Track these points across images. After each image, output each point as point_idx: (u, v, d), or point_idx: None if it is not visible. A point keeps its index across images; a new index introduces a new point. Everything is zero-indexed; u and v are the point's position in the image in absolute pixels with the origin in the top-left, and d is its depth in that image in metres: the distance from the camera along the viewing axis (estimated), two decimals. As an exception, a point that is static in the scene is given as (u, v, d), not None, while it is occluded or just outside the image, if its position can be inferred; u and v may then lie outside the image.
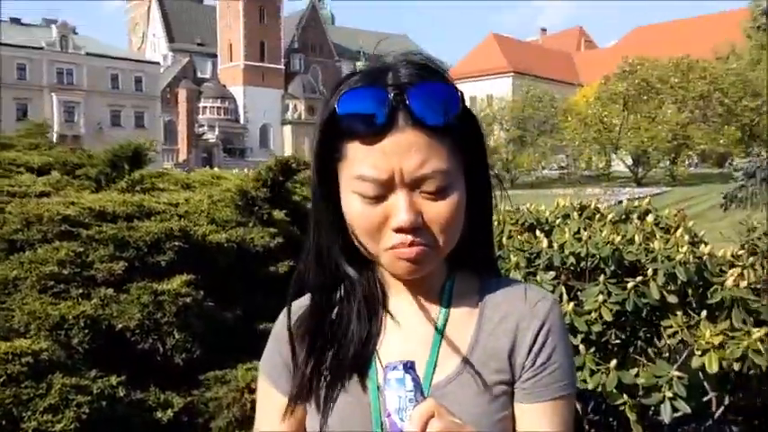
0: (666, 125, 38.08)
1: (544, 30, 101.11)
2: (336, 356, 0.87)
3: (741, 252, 3.65)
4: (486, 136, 0.86)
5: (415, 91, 0.77)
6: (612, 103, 41.14)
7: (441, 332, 0.86)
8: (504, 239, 3.46)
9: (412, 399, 0.72)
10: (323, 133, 0.82)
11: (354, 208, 0.80)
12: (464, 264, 0.90)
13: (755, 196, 9.62)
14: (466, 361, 0.84)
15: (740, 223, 4.59)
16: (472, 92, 69.36)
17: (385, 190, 0.78)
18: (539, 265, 3.29)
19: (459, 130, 0.79)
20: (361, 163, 0.78)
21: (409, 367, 0.74)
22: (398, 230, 0.78)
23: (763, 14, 10.41)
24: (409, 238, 0.78)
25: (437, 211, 0.79)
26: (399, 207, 0.77)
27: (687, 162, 40.73)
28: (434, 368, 0.85)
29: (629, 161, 41.63)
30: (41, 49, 56.16)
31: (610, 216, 3.56)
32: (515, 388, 0.85)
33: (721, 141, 37.93)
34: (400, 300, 0.88)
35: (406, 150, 0.76)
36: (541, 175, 47.49)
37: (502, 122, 47.93)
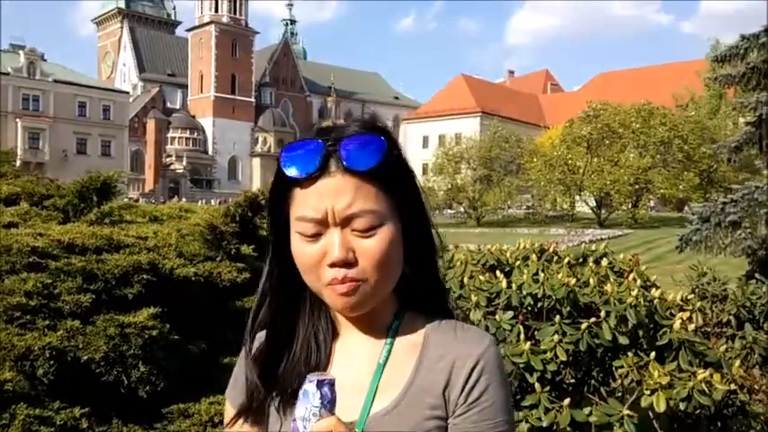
0: (628, 169, 39.09)
1: (512, 72, 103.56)
2: (283, 385, 0.95)
3: (690, 296, 3.82)
4: (415, 179, 0.95)
5: (347, 141, 0.87)
6: (577, 146, 42.10)
7: (382, 366, 0.94)
8: (466, 279, 3.57)
9: (316, 413, 0.79)
10: (274, 182, 0.94)
11: (296, 246, 0.90)
12: (413, 302, 0.97)
13: (710, 240, 9.92)
14: (403, 395, 0.91)
15: (691, 268, 4.78)
16: (441, 130, 70.36)
17: (321, 229, 0.87)
18: (498, 304, 3.41)
19: (387, 174, 0.88)
20: (300, 205, 0.88)
21: (324, 383, 0.80)
22: (332, 266, 0.87)
23: (717, 61, 10.85)
24: (342, 272, 0.86)
25: (367, 247, 0.86)
26: (333, 244, 0.86)
27: (648, 205, 41.72)
28: (373, 400, 0.91)
29: (593, 203, 42.50)
30: (7, 74, 55.47)
31: (567, 259, 3.70)
32: (448, 424, 0.91)
33: (681, 187, 39.02)
34: (348, 335, 0.97)
35: (336, 193, 0.86)
36: (507, 214, 48.11)
37: (469, 161, 48.60)
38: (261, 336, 1.01)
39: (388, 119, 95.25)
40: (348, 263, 0.86)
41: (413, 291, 0.96)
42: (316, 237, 0.87)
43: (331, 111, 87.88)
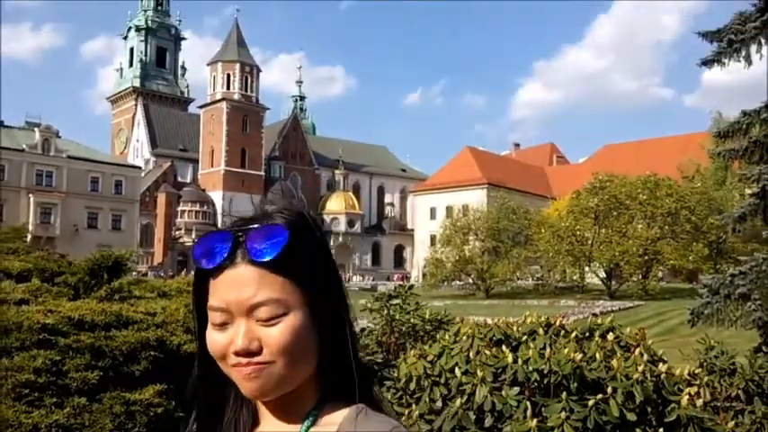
0: (637, 240, 39.01)
1: (517, 144, 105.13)
2: None
3: (698, 370, 3.78)
4: (333, 267, 0.98)
5: (253, 233, 0.91)
6: (584, 217, 42.19)
7: None
8: (472, 354, 3.57)
9: None
10: (195, 272, 0.97)
11: (208, 335, 0.93)
12: (334, 390, 0.97)
13: (720, 313, 9.82)
14: None
15: (699, 342, 4.74)
16: (448, 201, 70.87)
17: (229, 318, 0.90)
18: (505, 380, 3.39)
19: (294, 264, 0.91)
20: (211, 295, 0.92)
21: None
22: (237, 354, 0.89)
23: (719, 136, 11.03)
24: (245, 360, 0.88)
25: (271, 336, 0.88)
26: (237, 333, 0.89)
27: (659, 276, 41.40)
28: None
29: (602, 274, 42.23)
30: (22, 151, 56.79)
31: (573, 333, 3.70)
32: None
33: (690, 257, 38.80)
34: (267, 424, 0.98)
35: (241, 283, 0.89)
36: (516, 285, 47.79)
37: (477, 233, 48.69)
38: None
39: (395, 191, 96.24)
40: (251, 352, 0.88)
41: (329, 378, 0.97)
42: (224, 325, 0.90)
43: (339, 183, 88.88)
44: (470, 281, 48.72)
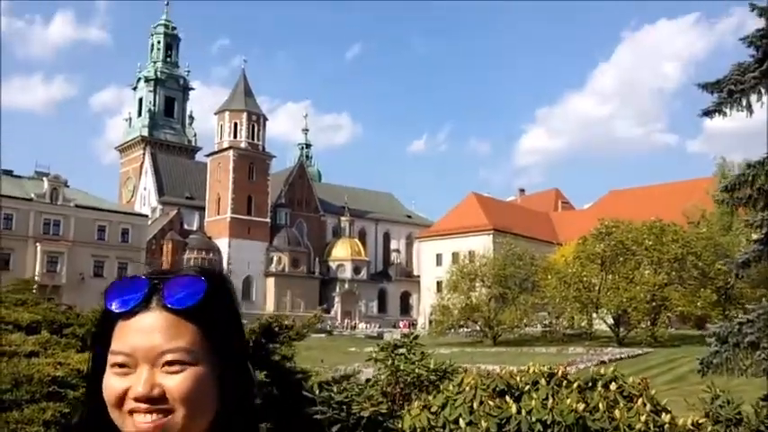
0: (644, 286, 38.78)
1: (522, 190, 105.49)
2: None
3: (703, 420, 3.77)
4: (241, 326, 0.99)
5: (172, 281, 0.93)
6: (591, 263, 42.05)
7: None
8: (476, 404, 3.59)
9: None
10: (100, 315, 0.98)
11: (107, 379, 0.92)
12: None
13: (730, 362, 9.73)
14: None
15: (704, 390, 4.73)
16: (454, 248, 70.87)
17: (132, 362, 0.89)
18: (509, 431, 3.40)
19: (206, 316, 0.92)
20: (117, 339, 0.91)
21: None
22: (137, 400, 0.89)
23: (726, 190, 11.13)
24: (144, 406, 0.88)
25: (174, 384, 0.87)
26: (139, 379, 0.88)
27: (667, 322, 40.98)
28: None
29: (610, 320, 41.85)
30: (30, 200, 57.37)
31: (576, 383, 3.72)
32: None
33: (698, 304, 38.49)
34: None
35: (151, 329, 0.89)
36: (524, 332, 47.33)
37: (483, 279, 48.47)
38: None
39: (401, 237, 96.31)
40: (152, 398, 0.87)
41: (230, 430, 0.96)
42: (125, 370, 0.90)
43: (345, 230, 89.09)
44: (477, 328, 48.27)
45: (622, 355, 32.28)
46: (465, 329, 49.76)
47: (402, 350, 5.46)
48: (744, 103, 9.99)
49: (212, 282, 0.94)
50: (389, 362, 5.32)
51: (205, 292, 0.91)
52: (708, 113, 10.43)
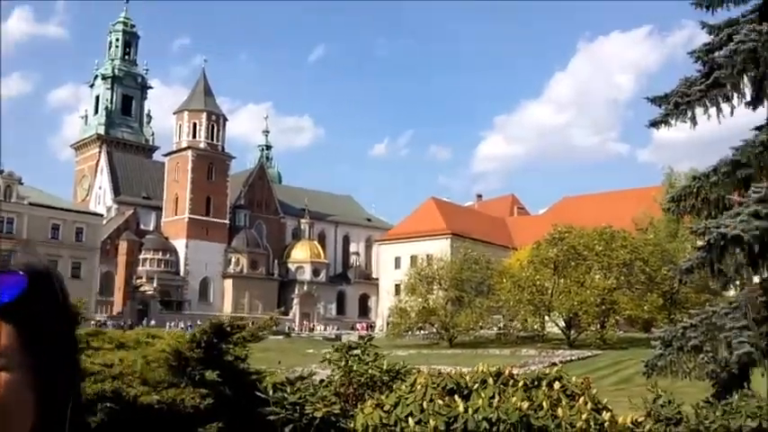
0: (594, 290, 39.72)
1: (480, 196, 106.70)
2: None
3: (643, 419, 3.94)
4: (71, 330, 0.90)
5: None
6: (544, 267, 42.86)
7: None
8: (425, 403, 3.68)
9: None
10: None
11: None
12: None
13: (674, 365, 10.06)
14: None
15: (648, 390, 4.92)
16: (413, 251, 71.26)
17: None
18: (456, 428, 3.50)
19: (27, 316, 0.84)
20: None
21: None
22: None
23: (673, 201, 11.55)
24: None
25: None
26: None
27: (616, 326, 42.02)
28: None
29: (562, 323, 42.70)
30: (-18, 197, 55.83)
31: (521, 382, 3.85)
32: None
33: (645, 307, 39.60)
34: None
35: None
36: (479, 334, 47.91)
37: (440, 282, 48.96)
38: None
39: (360, 240, 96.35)
40: None
41: None
42: None
43: (305, 232, 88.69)
44: (434, 330, 48.70)
45: (572, 357, 33.04)
46: (422, 332, 50.14)
47: (356, 351, 5.53)
48: (689, 114, 10.40)
49: (36, 280, 0.85)
50: (343, 363, 5.38)
51: (25, 291, 0.83)
52: (655, 124, 10.85)
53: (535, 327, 44.20)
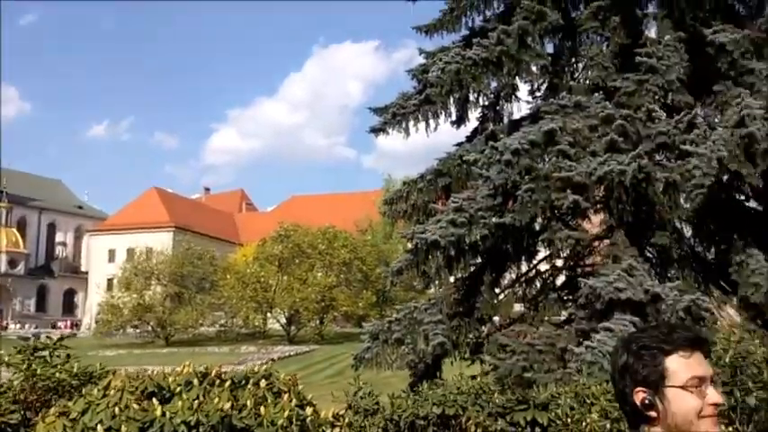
0: (316, 287, 41.35)
1: (208, 189, 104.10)
2: None
3: (343, 411, 4.09)
4: None
5: None
6: (269, 264, 43.42)
7: None
8: (117, 410, 3.35)
9: None
10: None
11: None
12: None
13: (380, 357, 10.78)
14: None
15: (349, 384, 5.14)
16: (130, 243, 66.64)
17: None
18: (152, 434, 3.24)
19: None
20: None
21: None
22: None
23: (387, 203, 12.63)
24: None
25: None
26: None
27: (334, 321, 44.22)
28: None
29: (283, 320, 43.63)
30: None
31: (228, 383, 3.71)
32: None
33: (360, 304, 42.32)
34: None
35: None
36: (199, 332, 46.74)
37: (159, 277, 46.72)
38: None
39: (69, 229, 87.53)
40: None
41: None
42: None
43: (1, 218, 77.96)
44: (149, 328, 46.22)
45: (291, 353, 33.95)
46: (136, 330, 47.28)
47: (44, 353, 4.90)
48: (404, 125, 11.35)
49: None
50: (25, 366, 4.73)
51: None
52: (375, 131, 11.72)
53: (257, 323, 44.51)
